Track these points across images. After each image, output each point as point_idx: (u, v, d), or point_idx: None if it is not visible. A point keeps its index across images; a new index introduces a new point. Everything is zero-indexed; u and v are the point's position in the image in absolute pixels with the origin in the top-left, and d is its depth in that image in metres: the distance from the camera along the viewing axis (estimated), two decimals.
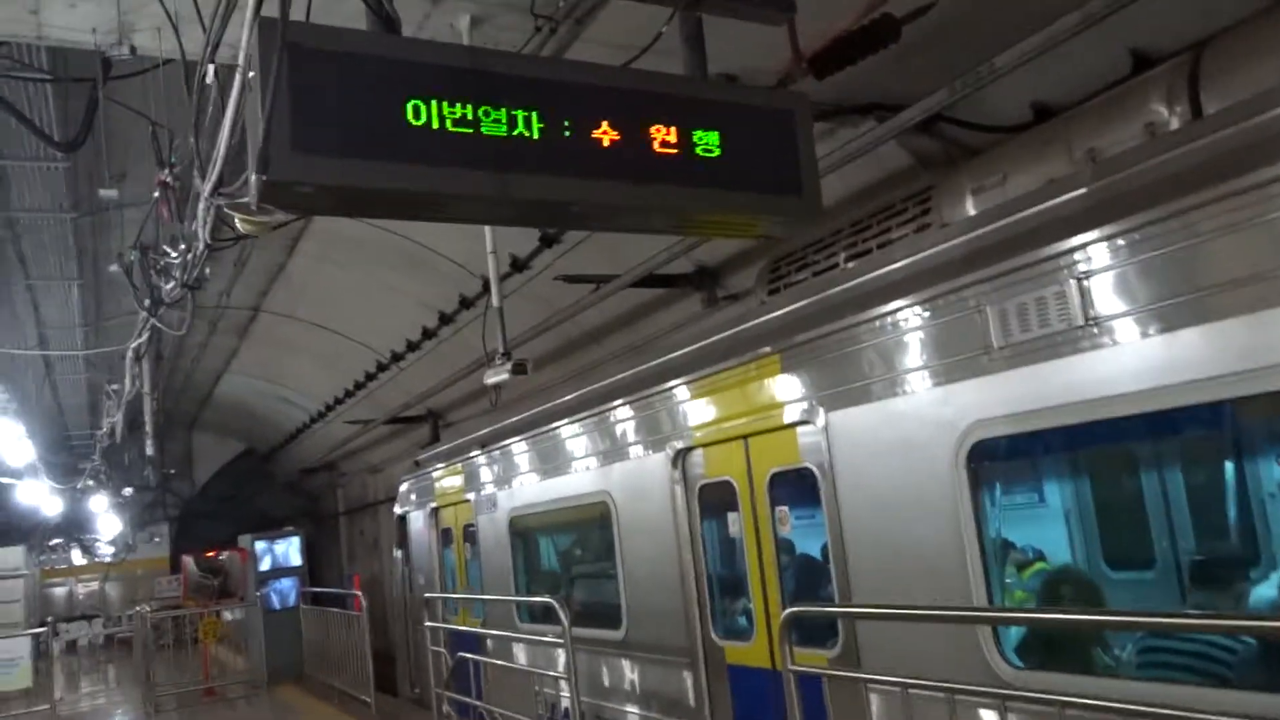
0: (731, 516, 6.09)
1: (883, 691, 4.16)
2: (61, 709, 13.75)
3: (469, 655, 8.21)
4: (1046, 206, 4.12)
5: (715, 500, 6.27)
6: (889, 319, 4.69)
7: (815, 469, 5.26)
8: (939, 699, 3.76)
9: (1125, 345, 3.70)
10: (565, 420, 8.06)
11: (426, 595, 9.60)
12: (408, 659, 12.97)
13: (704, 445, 6.27)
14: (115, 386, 11.28)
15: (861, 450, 4.87)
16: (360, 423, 19.81)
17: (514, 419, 9.34)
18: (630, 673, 7.12)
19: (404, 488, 12.83)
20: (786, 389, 5.44)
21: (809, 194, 3.79)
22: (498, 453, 9.55)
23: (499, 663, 8.53)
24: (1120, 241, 3.71)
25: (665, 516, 6.57)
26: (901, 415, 4.64)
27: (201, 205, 4.19)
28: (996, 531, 4.36)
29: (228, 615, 17.02)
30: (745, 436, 5.86)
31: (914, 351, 4.58)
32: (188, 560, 16.24)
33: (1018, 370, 4.06)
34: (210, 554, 16.16)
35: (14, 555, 23.43)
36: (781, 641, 4.12)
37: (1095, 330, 3.78)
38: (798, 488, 5.60)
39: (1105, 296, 3.78)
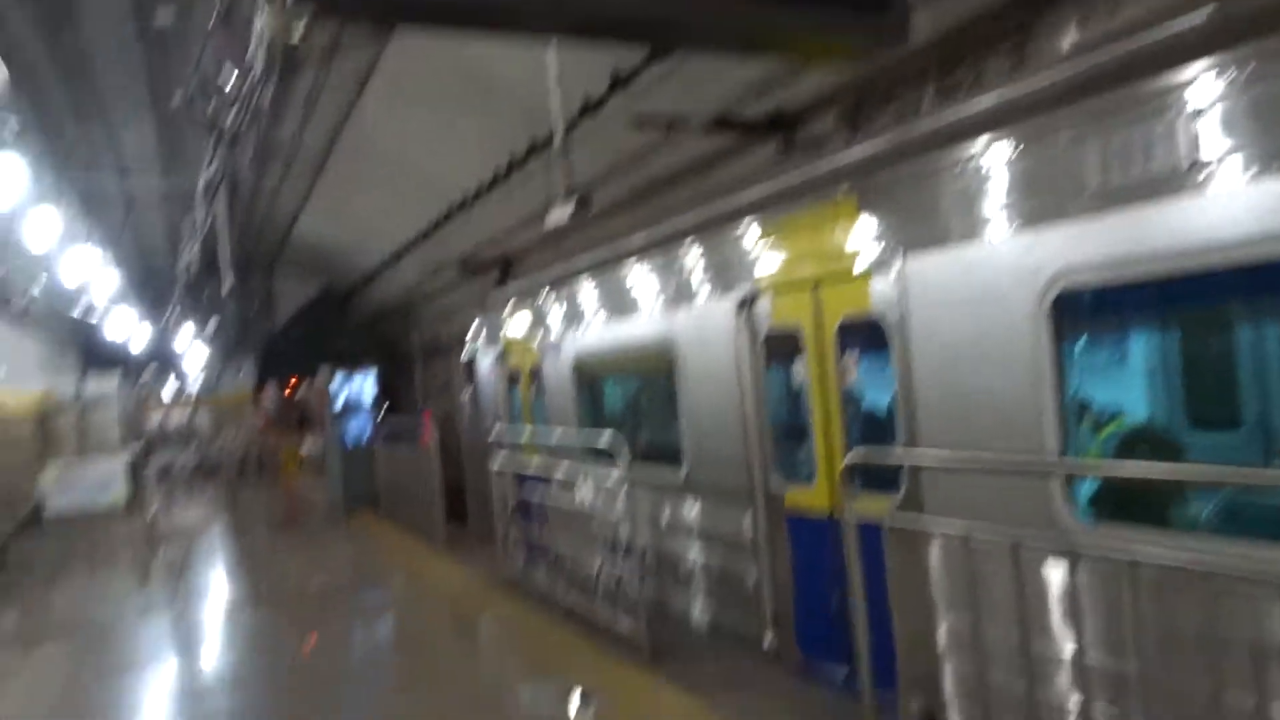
0: (797, 364, 5.98)
1: (944, 541, 4.01)
2: (156, 527, 14.63)
3: (532, 494, 8.39)
4: (1154, 34, 3.72)
5: (781, 346, 6.15)
6: (977, 158, 4.35)
7: (887, 317, 5.06)
8: (1003, 552, 3.68)
9: (1234, 192, 3.37)
10: (631, 263, 7.94)
11: (492, 434, 9.74)
12: (476, 493, 13.37)
13: (772, 291, 6.12)
14: (193, 221, 11.42)
15: (938, 297, 4.62)
16: (432, 266, 19.96)
17: (581, 262, 9.24)
18: (689, 515, 7.24)
19: (472, 330, 12.98)
20: (862, 233, 5.17)
21: (897, 10, 3.46)
22: (564, 296, 9.51)
23: (562, 500, 8.71)
24: (1236, 74, 3.34)
25: (729, 362, 6.49)
26: (983, 262, 4.35)
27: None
28: (1076, 386, 4.13)
29: (306, 448, 17.75)
30: (815, 283, 5.69)
31: (1001, 193, 4.26)
32: (267, 391, 16.77)
33: (1112, 215, 3.75)
34: (290, 388, 16.65)
35: (110, 382, 24.64)
36: (842, 486, 4.06)
37: (1202, 174, 3.46)
38: (867, 336, 5.42)
39: (1215, 136, 3.43)
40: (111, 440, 23.09)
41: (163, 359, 30.44)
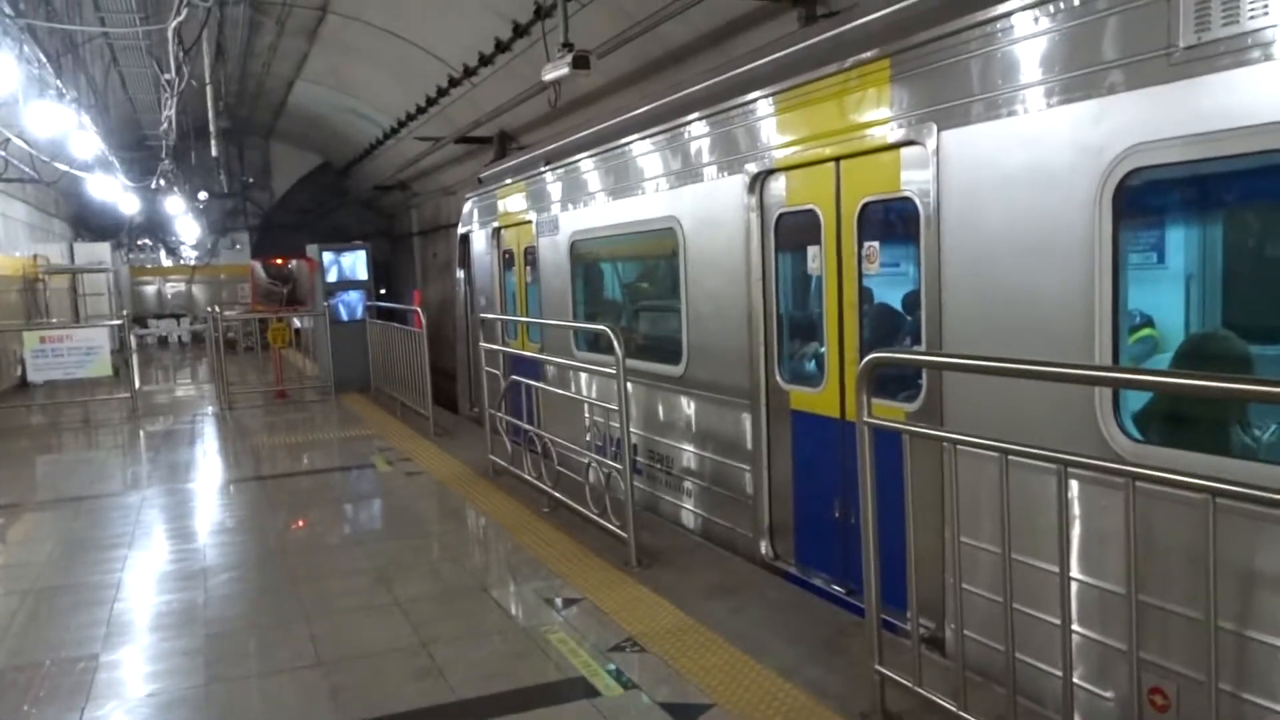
0: (812, 250, 5.43)
1: (971, 456, 3.48)
2: (142, 400, 14.31)
3: (522, 379, 7.95)
4: None
5: (794, 231, 5.61)
6: (1035, 10, 3.72)
7: (917, 199, 4.49)
8: (1034, 468, 3.21)
9: None
10: (634, 137, 7.29)
11: (483, 316, 9.30)
12: (468, 378, 13.07)
13: (787, 168, 5.52)
14: (169, 77, 10.66)
15: (978, 177, 4.06)
16: (430, 139, 19.21)
17: (580, 135, 8.62)
18: (687, 411, 6.81)
19: (467, 206, 12.48)
20: (894, 101, 4.55)
21: None
22: (561, 171, 8.90)
23: (551, 389, 8.29)
24: None
25: (737, 247, 5.97)
26: (1034, 135, 3.76)
27: None
28: (1138, 286, 3.60)
29: (296, 323, 17.30)
30: (837, 159, 5.09)
31: (1063, 54, 3.63)
32: (255, 266, 16.25)
33: (1206, 80, 3.09)
34: (279, 262, 16.11)
35: (101, 250, 24.10)
36: (858, 390, 3.56)
37: None
38: (893, 221, 4.89)
39: None
40: (103, 309, 22.72)
41: (156, 229, 29.79)
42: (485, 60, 15.16)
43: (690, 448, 6.80)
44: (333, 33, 18.57)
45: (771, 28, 9.34)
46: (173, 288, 30.87)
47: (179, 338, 27.54)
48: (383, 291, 27.36)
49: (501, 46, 14.36)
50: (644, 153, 7.21)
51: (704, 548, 6.19)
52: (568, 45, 6.38)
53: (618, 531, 6.00)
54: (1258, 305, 3.69)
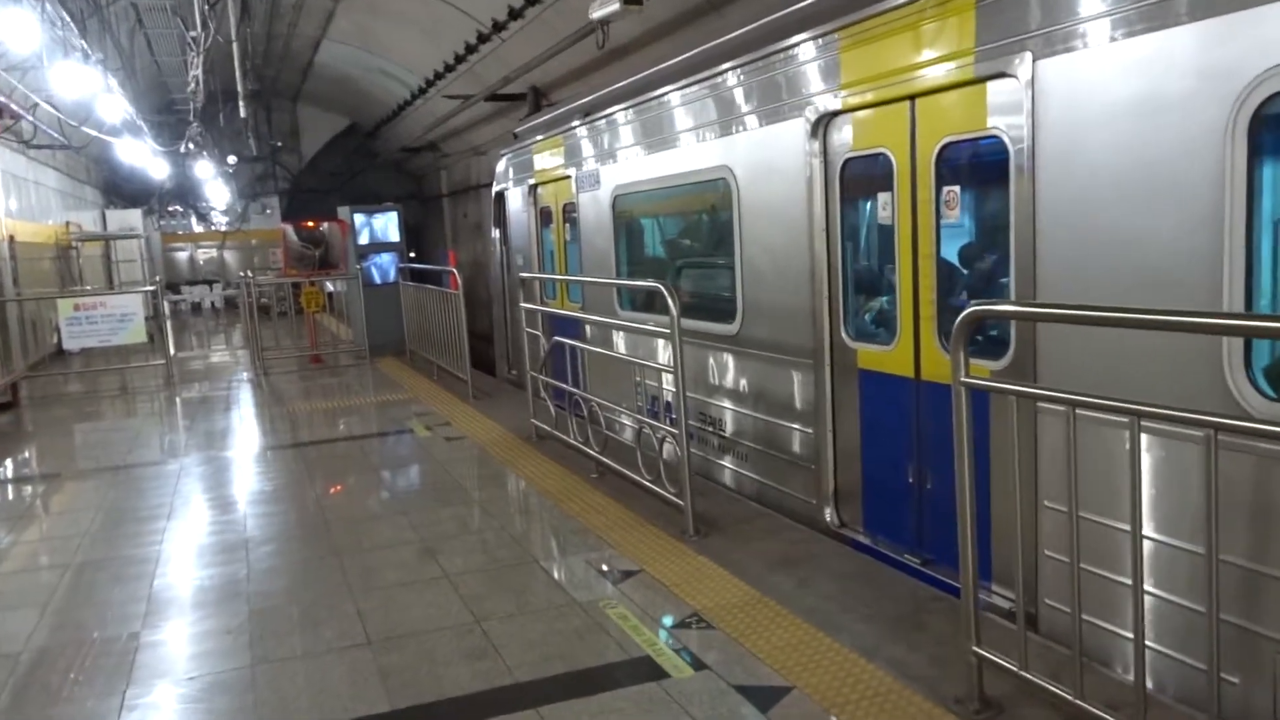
0: (883, 198, 5.02)
1: (1067, 416, 2.99)
2: (177, 366, 14.20)
3: (565, 340, 7.66)
4: None
5: (863, 178, 5.21)
6: None
7: (1008, 138, 4.09)
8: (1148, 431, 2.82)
9: None
10: (681, 83, 6.87)
11: (522, 275, 9.02)
12: (506, 340, 12.82)
13: (855, 109, 5.09)
14: (195, 34, 10.36)
15: (1081, 110, 3.63)
16: (460, 98, 18.80)
17: (621, 85, 8.20)
18: (741, 371, 6.48)
19: (501, 163, 12.17)
20: (980, 28, 4.12)
21: None
22: (602, 123, 8.49)
23: (598, 350, 7.98)
24: None
25: (798, 197, 5.57)
26: (1148, 60, 3.33)
27: None
28: (1277, 228, 3.12)
29: (330, 287, 17.11)
30: (912, 96, 4.66)
31: None
32: (287, 229, 16.03)
33: None
34: (310, 225, 15.88)
35: (132, 217, 24.04)
36: (955, 347, 3.22)
37: None
38: (977, 164, 4.49)
39: None
40: (136, 276, 22.68)
41: (186, 195, 29.69)
42: (515, 14, 14.74)
43: (746, 410, 6.49)
44: None
45: None
46: (205, 254, 30.84)
47: (212, 303, 27.51)
48: (412, 254, 27.20)
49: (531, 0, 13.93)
50: (691, 100, 6.81)
51: (763, 516, 5.89)
52: None
53: (673, 499, 5.72)
54: None
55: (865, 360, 5.31)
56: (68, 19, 10.05)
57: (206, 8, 9.10)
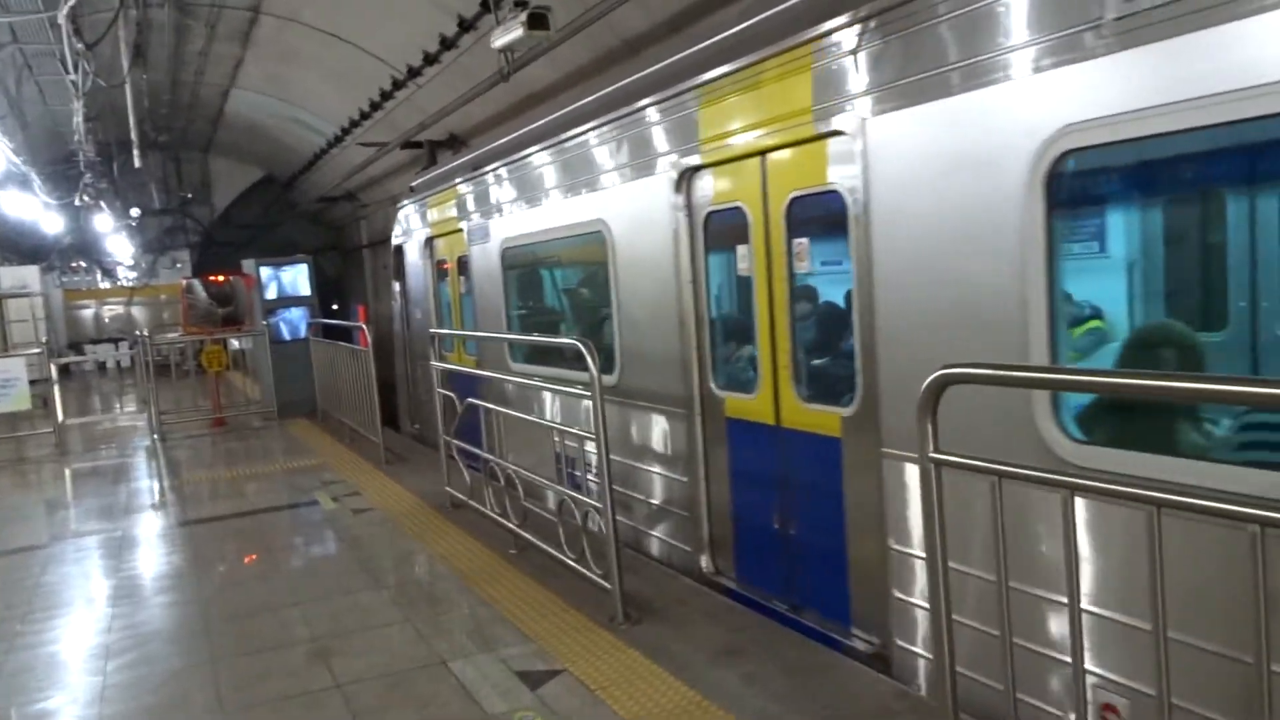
0: (741, 250, 5.18)
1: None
2: (68, 434, 13.16)
3: (480, 403, 7.03)
4: None
5: (724, 231, 5.36)
6: None
7: (845, 191, 4.26)
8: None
9: None
10: (559, 139, 6.92)
11: (432, 331, 8.47)
12: (407, 394, 12.32)
13: (713, 164, 5.25)
14: (73, 79, 9.56)
15: (906, 166, 3.85)
16: (375, 144, 18.18)
17: (506, 140, 8.23)
18: (621, 421, 6.34)
19: (400, 215, 12.02)
20: (818, 89, 4.30)
21: None
22: (490, 177, 8.48)
23: (511, 412, 7.35)
24: None
25: (666, 250, 5.68)
26: (964, 119, 3.54)
27: None
28: (1077, 276, 3.45)
29: (235, 344, 16.16)
30: (763, 152, 4.83)
31: (993, 31, 3.37)
32: (191, 283, 15.12)
33: (1136, 52, 2.88)
34: (219, 279, 14.99)
35: (28, 273, 22.69)
36: (921, 416, 2.70)
37: None
38: (822, 217, 4.64)
39: None
40: (30, 336, 21.33)
41: (89, 250, 28.37)
42: (430, 59, 14.26)
43: (629, 460, 6.25)
44: (268, 36, 17.50)
45: (740, 7, 8.57)
46: (111, 311, 29.44)
47: (118, 363, 26.13)
48: (334, 307, 26.19)
49: (447, 44, 13.46)
50: (569, 154, 6.85)
51: (699, 595, 5.30)
52: (521, 3, 5.47)
53: (599, 580, 5.11)
54: (1200, 293, 3.56)
55: (732, 409, 5.35)
56: None
57: (81, 45, 8.36)
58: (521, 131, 7.82)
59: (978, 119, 3.47)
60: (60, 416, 13.09)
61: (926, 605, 3.81)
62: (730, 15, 8.28)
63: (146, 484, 10.04)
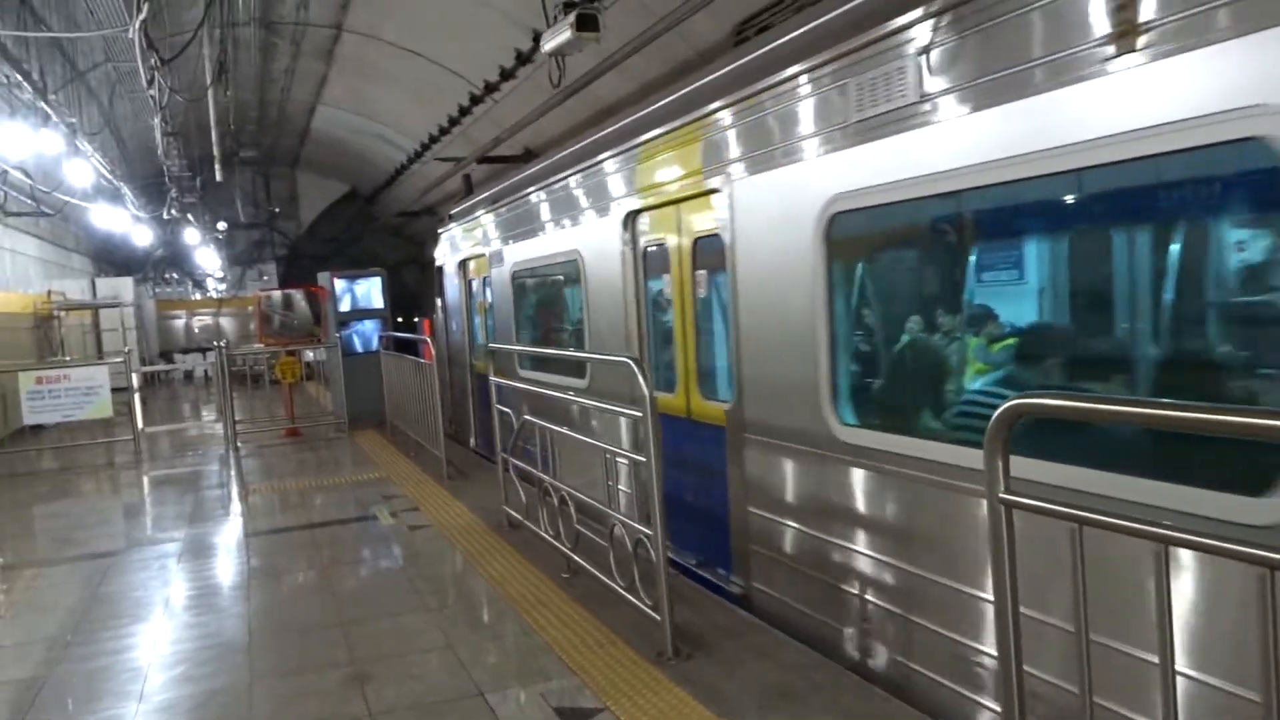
0: (666, 278, 6.46)
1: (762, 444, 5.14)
2: (147, 442, 13.43)
3: (535, 420, 6.85)
4: None
5: (656, 262, 6.67)
6: (784, 88, 4.77)
7: (723, 235, 5.48)
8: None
9: (950, 119, 3.68)
10: (552, 179, 8.29)
11: (492, 347, 8.83)
12: (449, 403, 12.44)
13: (648, 209, 6.54)
14: (151, 93, 9.72)
15: (753, 219, 5.16)
16: (452, 160, 18.29)
17: (516, 178, 9.66)
18: (591, 418, 7.48)
19: (443, 238, 13.05)
20: (703, 155, 5.65)
21: None
22: (504, 210, 9.95)
23: (562, 430, 7.15)
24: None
25: (618, 275, 6.98)
26: (785, 186, 4.82)
27: None
28: (846, 302, 4.61)
29: (309, 356, 16.36)
30: (678, 202, 6.06)
31: (799, 122, 4.69)
32: (270, 295, 15.35)
33: (872, 144, 4.10)
34: (287, 292, 15.21)
35: (123, 285, 23.47)
36: (989, 450, 2.38)
37: (929, 106, 3.78)
38: (714, 254, 5.73)
39: (946, 64, 3.69)
40: (120, 345, 22.01)
41: (180, 262, 29.27)
42: (506, 74, 14.28)
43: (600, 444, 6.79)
44: (350, 53, 17.81)
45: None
46: (200, 321, 30.29)
47: (205, 372, 26.84)
48: (416, 320, 26.45)
49: (522, 59, 13.45)
50: (557, 194, 8.29)
51: (753, 629, 5.00)
52: (569, 4, 5.27)
53: (649, 611, 4.84)
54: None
55: (662, 405, 5.70)
56: (20, 80, 9.46)
57: (156, 59, 8.48)
58: (530, 170, 9.49)
59: (791, 186, 4.76)
60: (140, 424, 13.37)
61: (774, 553, 5.24)
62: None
63: (215, 494, 10.12)
